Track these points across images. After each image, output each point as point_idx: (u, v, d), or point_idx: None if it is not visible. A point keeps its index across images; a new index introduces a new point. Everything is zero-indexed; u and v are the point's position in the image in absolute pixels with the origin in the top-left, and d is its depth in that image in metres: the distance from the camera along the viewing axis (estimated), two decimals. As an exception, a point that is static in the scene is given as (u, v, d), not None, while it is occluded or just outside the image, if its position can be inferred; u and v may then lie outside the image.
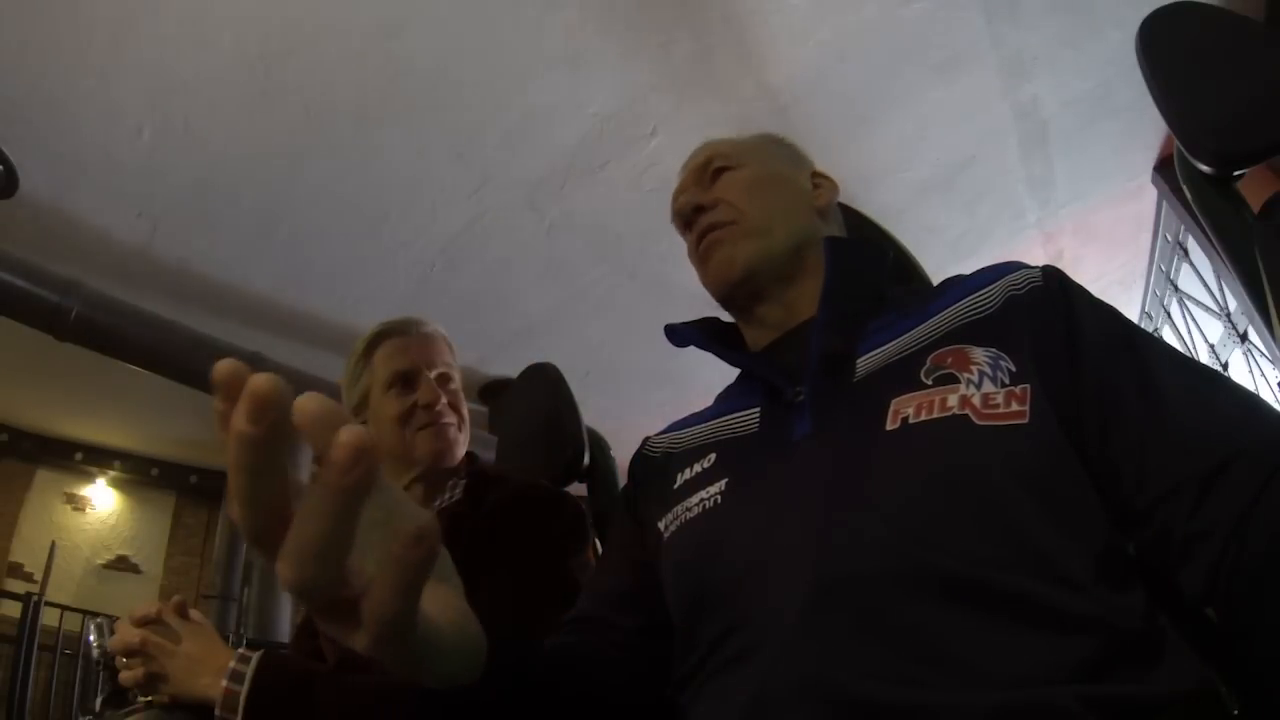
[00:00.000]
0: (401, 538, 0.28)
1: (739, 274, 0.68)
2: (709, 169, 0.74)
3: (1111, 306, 0.58)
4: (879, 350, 0.59)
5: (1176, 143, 0.80)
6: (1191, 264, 3.11)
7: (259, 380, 0.26)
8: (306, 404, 0.27)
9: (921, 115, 2.51)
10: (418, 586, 0.29)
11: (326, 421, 0.26)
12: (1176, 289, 3.37)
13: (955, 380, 0.53)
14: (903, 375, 0.56)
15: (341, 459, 0.26)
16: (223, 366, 0.27)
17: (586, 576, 0.97)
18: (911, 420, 0.52)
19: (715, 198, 0.71)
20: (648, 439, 0.75)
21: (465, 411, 1.13)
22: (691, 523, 0.59)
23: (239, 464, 0.27)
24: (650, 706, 0.62)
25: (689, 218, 0.72)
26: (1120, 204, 3.09)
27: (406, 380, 1.08)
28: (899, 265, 0.82)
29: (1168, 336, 3.54)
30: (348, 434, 0.26)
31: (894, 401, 0.54)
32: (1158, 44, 0.83)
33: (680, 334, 0.71)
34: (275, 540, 0.27)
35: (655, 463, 0.71)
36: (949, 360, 0.55)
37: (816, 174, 0.77)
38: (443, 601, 0.36)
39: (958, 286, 0.62)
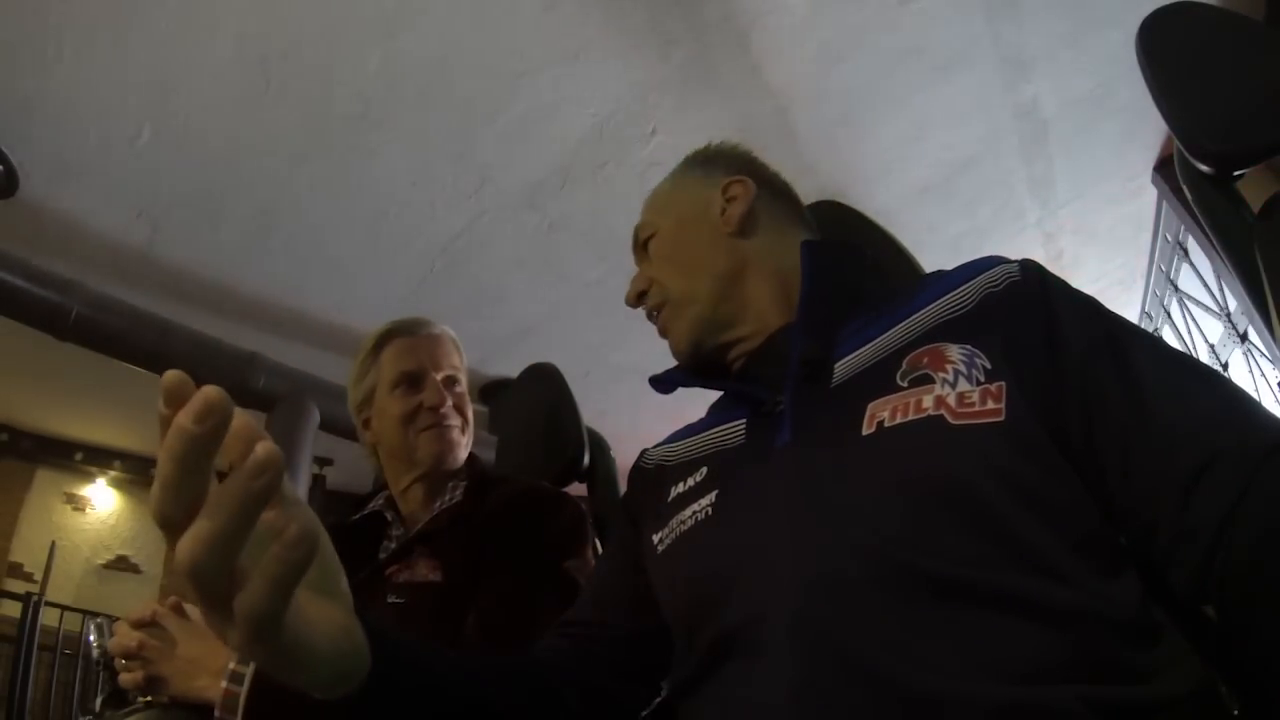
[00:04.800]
0: (283, 538, 0.31)
1: (688, 354, 0.72)
2: (639, 243, 0.77)
3: (1093, 299, 0.57)
4: (856, 354, 0.60)
5: (1176, 143, 0.80)
6: (1191, 264, 3.10)
7: (210, 389, 0.31)
8: (237, 419, 0.31)
9: (921, 115, 2.51)
10: (288, 587, 0.32)
11: (248, 434, 0.32)
12: (1176, 289, 3.37)
13: (931, 380, 0.53)
14: (879, 378, 0.56)
15: (252, 467, 0.30)
16: (172, 374, 0.31)
17: (586, 577, 0.97)
18: (887, 424, 0.52)
19: (648, 278, 0.75)
20: (644, 451, 0.76)
21: (470, 414, 1.13)
22: (685, 535, 0.60)
23: (174, 454, 0.30)
24: (641, 709, 0.63)
25: (636, 307, 0.77)
26: (1120, 204, 3.09)
27: (413, 381, 1.08)
28: (882, 261, 0.83)
29: (1168, 336, 3.53)
30: (263, 448, 0.31)
31: (870, 405, 0.54)
32: (1158, 44, 0.83)
33: (665, 381, 0.73)
34: (181, 527, 0.31)
35: (649, 475, 0.72)
36: (925, 360, 0.55)
37: (730, 183, 0.75)
38: (324, 613, 0.39)
39: (937, 284, 0.62)
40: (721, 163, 0.78)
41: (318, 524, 0.35)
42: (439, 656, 0.55)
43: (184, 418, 0.30)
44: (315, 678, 0.40)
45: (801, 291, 0.66)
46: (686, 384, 0.72)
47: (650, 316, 0.75)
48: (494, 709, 0.56)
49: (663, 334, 0.74)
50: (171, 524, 0.31)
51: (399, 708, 0.48)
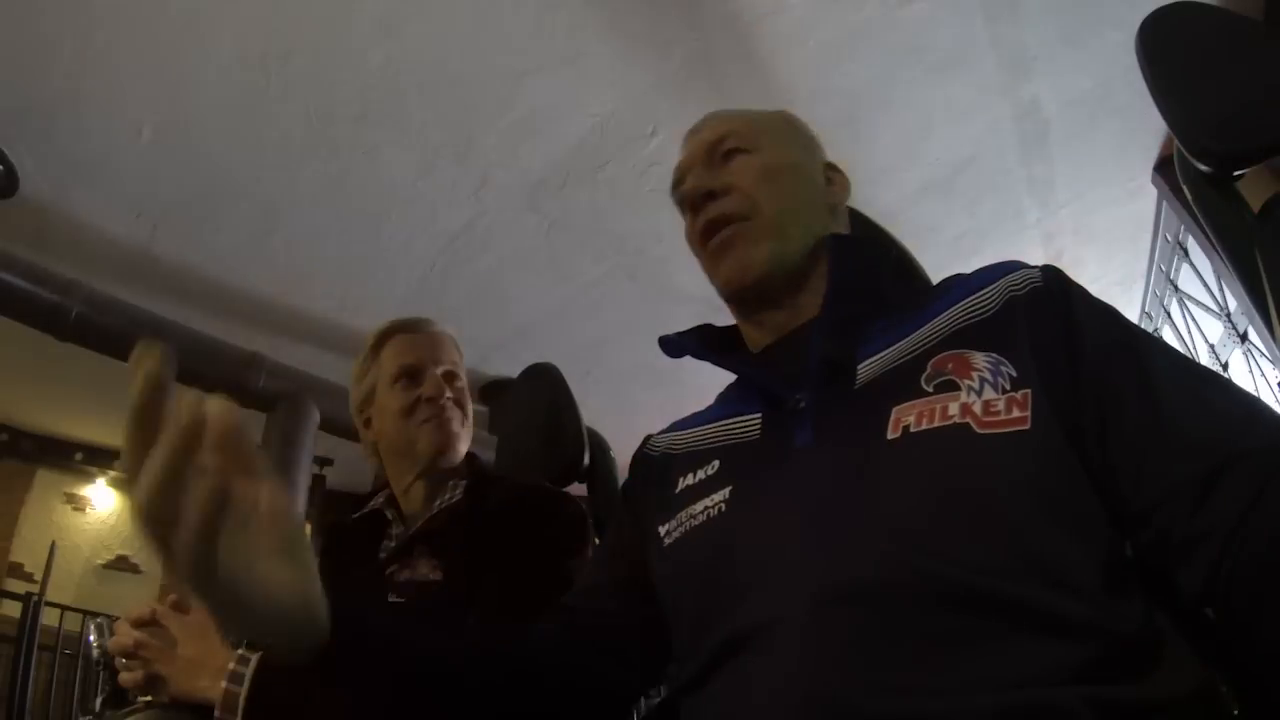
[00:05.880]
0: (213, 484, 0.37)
1: (752, 280, 0.66)
2: (720, 148, 0.70)
3: (1111, 307, 0.57)
4: (880, 355, 0.59)
5: (1176, 143, 0.80)
6: (1191, 264, 3.10)
7: (151, 355, 0.38)
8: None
9: (921, 115, 2.51)
10: (211, 521, 0.37)
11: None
12: (1176, 289, 3.36)
13: (956, 387, 0.53)
14: (904, 382, 0.55)
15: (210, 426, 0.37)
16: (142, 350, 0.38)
17: (586, 577, 0.97)
18: (913, 429, 0.51)
19: (727, 184, 0.67)
20: (649, 437, 0.74)
21: (469, 408, 1.13)
22: (695, 530, 0.59)
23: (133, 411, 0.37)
24: (632, 696, 0.62)
25: (697, 203, 0.68)
26: (1120, 204, 3.08)
27: (412, 375, 1.08)
28: (901, 263, 0.82)
29: (1168, 336, 3.53)
30: (217, 404, 0.38)
31: (895, 409, 0.53)
32: (1158, 44, 0.83)
33: (675, 344, 0.69)
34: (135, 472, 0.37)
35: (655, 463, 0.70)
36: (950, 366, 0.54)
37: (830, 166, 0.74)
38: (278, 574, 0.42)
39: (958, 286, 0.62)
40: (814, 144, 0.76)
41: (283, 496, 0.41)
42: (413, 629, 0.56)
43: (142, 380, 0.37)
44: (262, 626, 0.44)
45: (827, 287, 0.65)
46: (697, 354, 0.68)
47: (715, 225, 0.66)
48: (466, 684, 0.57)
49: (724, 248, 0.66)
50: (133, 469, 0.37)
51: (367, 672, 0.50)
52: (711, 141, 0.71)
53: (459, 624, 0.87)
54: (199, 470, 0.37)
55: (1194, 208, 0.86)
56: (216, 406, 0.38)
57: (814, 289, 0.67)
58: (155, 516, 0.37)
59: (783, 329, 0.68)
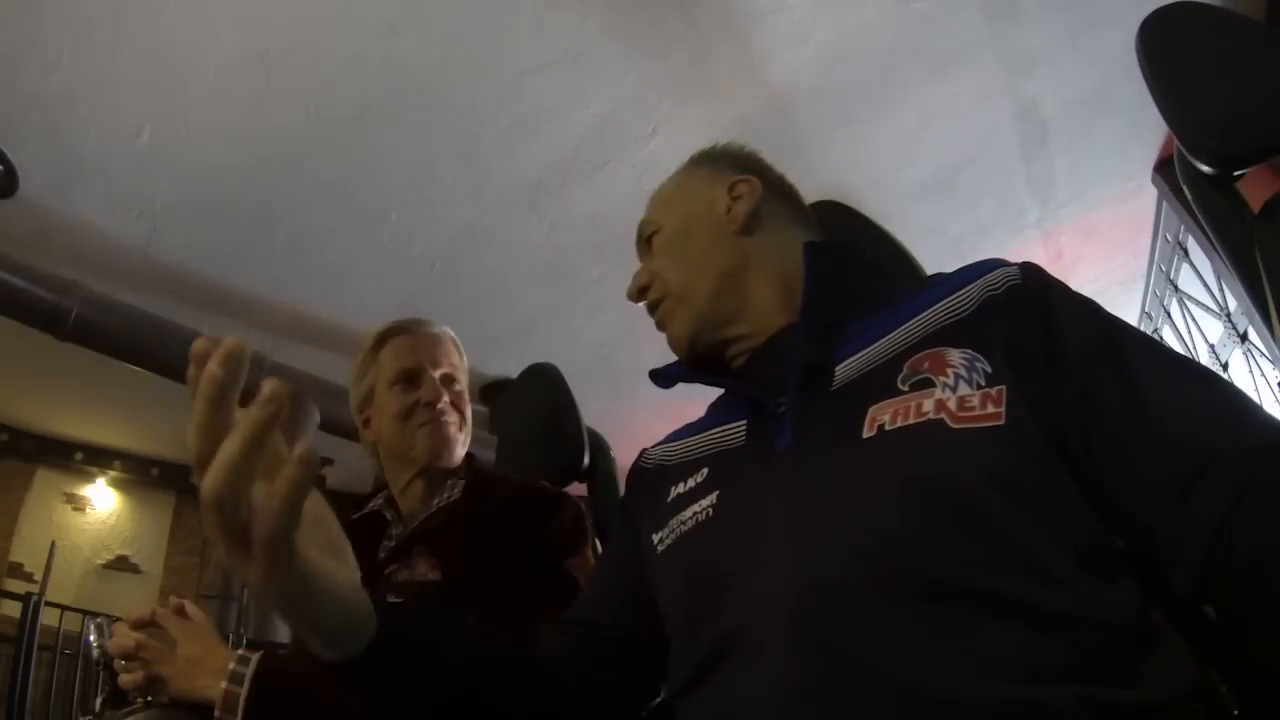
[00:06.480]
0: (291, 458, 0.35)
1: (685, 348, 0.72)
2: (643, 237, 0.77)
3: (1093, 302, 0.57)
4: (858, 356, 0.60)
5: (1176, 143, 0.80)
6: (1191, 264, 3.10)
7: (231, 341, 0.36)
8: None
9: (922, 115, 2.51)
10: (297, 506, 0.36)
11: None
12: (1176, 289, 3.36)
13: (931, 385, 0.53)
14: (880, 382, 0.56)
15: (260, 399, 0.35)
16: (201, 340, 0.37)
17: (586, 576, 0.97)
18: (888, 427, 0.52)
19: (650, 273, 0.75)
20: (644, 451, 0.76)
21: (468, 412, 1.13)
22: (685, 536, 0.60)
23: (204, 397, 0.36)
24: (640, 707, 0.63)
25: (636, 301, 0.77)
26: (1120, 204, 3.09)
27: (411, 378, 1.08)
28: (884, 261, 0.83)
29: (1168, 336, 3.53)
30: (269, 384, 0.36)
31: (871, 409, 0.54)
32: (1158, 44, 0.83)
33: (665, 375, 0.73)
34: (207, 464, 0.36)
35: (649, 475, 0.72)
36: (925, 364, 0.55)
37: (737, 182, 0.74)
38: (335, 567, 0.42)
39: (938, 285, 0.62)
40: (728, 161, 0.78)
41: (319, 465, 0.39)
42: (444, 629, 0.57)
43: (212, 364, 0.35)
44: (328, 619, 0.43)
45: (804, 293, 0.66)
46: (687, 379, 0.72)
47: (650, 311, 0.75)
48: (494, 686, 0.57)
49: (661, 328, 0.75)
50: (204, 462, 0.36)
51: (402, 674, 0.49)
52: (639, 237, 0.78)
53: (482, 630, 0.88)
54: (276, 459, 0.36)
55: (1194, 208, 0.86)
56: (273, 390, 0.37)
57: (761, 304, 0.69)
58: (231, 502, 0.36)
59: (756, 341, 0.69)
